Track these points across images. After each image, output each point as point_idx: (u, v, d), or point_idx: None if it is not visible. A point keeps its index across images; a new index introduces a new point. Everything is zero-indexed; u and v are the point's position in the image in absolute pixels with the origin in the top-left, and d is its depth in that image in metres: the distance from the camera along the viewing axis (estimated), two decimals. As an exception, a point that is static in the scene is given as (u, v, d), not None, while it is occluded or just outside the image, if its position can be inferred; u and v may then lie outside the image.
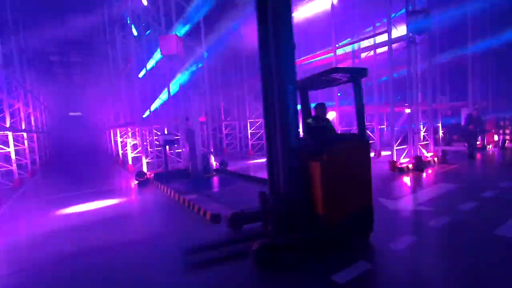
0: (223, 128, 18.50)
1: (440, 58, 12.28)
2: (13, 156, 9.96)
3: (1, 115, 10.91)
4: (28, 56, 15.85)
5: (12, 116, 11.49)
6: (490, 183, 6.30)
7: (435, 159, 9.11)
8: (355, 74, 3.83)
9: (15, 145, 10.36)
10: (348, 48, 10.73)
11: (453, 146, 12.68)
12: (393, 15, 8.85)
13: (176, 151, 11.15)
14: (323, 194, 3.36)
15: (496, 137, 11.36)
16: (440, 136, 13.50)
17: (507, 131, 11.40)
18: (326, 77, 3.89)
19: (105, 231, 4.93)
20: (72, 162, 17.40)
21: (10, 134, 10.06)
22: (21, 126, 12.41)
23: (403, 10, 9.14)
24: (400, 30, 8.84)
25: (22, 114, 12.61)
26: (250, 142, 15.88)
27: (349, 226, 3.57)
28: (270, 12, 3.38)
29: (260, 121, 16.01)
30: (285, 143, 3.44)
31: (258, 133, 16.24)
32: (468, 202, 5.01)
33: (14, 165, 9.95)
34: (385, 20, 9.01)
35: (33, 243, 4.55)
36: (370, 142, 3.77)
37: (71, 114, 29.66)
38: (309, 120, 4.40)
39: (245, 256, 3.40)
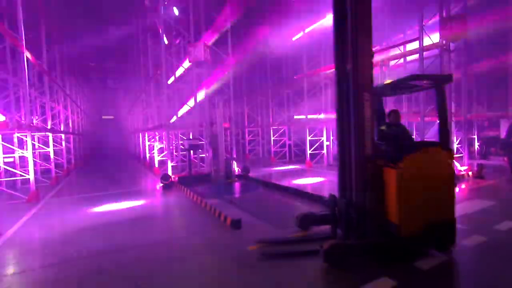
0: (246, 134, 18.67)
1: (477, 66, 11.62)
2: (52, 155, 10.71)
3: (44, 117, 11.81)
4: (69, 62, 17.11)
5: (52, 118, 12.40)
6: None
7: (470, 173, 8.56)
8: (438, 81, 3.78)
9: (54, 146, 11.15)
10: (379, 57, 10.48)
11: (490, 160, 11.84)
12: (426, 22, 8.54)
13: (200, 155, 11.41)
14: (398, 203, 3.35)
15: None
16: (476, 149, 12.68)
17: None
18: (405, 84, 3.89)
19: (131, 230, 5.13)
20: (103, 163, 18.38)
21: (50, 135, 10.85)
22: (60, 128, 13.35)
23: (436, 17, 8.80)
24: (433, 38, 8.51)
25: (61, 117, 13.57)
26: (272, 149, 15.87)
27: (427, 238, 3.45)
28: (349, 20, 3.50)
29: (283, 128, 15.99)
30: (360, 149, 3.47)
31: (280, 140, 16.20)
32: (505, 221, 4.64)
33: (53, 164, 10.69)
34: (416, 28, 8.72)
35: (65, 238, 4.84)
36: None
37: (104, 117, 31.42)
38: (383, 127, 4.35)
39: (314, 254, 3.64)
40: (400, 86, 4.16)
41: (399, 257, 3.42)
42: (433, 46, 8.35)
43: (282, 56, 16.27)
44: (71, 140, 15.17)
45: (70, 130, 16.16)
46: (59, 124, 13.52)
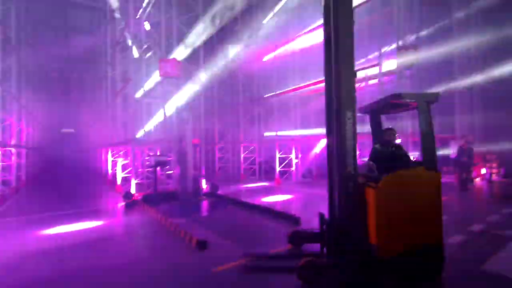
0: (216, 151, 18.49)
1: (428, 91, 12.78)
2: (-2, 171, 9.71)
3: (-8, 129, 10.78)
4: (28, 71, 16.00)
5: (2, 131, 11.36)
6: (478, 216, 6.31)
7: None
8: (420, 100, 3.61)
9: (2, 161, 10.14)
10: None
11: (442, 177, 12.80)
12: (383, 49, 9.30)
13: (167, 172, 11.03)
14: (376, 223, 3.30)
15: (483, 170, 11.54)
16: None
17: (494, 165, 11.61)
18: (386, 103, 3.87)
19: (86, 255, 4.72)
20: (60, 180, 17.00)
21: (-2, 149, 9.88)
22: (11, 142, 12.23)
23: (394, 45, 9.64)
24: (392, 63, 9.26)
25: (13, 129, 12.48)
26: (242, 167, 15.82)
27: (408, 262, 3.31)
28: (332, 41, 3.61)
29: (253, 145, 16.09)
30: (341, 167, 3.47)
31: (251, 157, 16.24)
32: (455, 235, 4.98)
33: (-1, 180, 9.67)
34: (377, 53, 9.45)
35: (7, 266, 4.32)
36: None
37: (63, 130, 29.43)
38: (377, 146, 4.25)
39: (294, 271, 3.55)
40: (386, 105, 4.05)
41: (375, 279, 3.34)
42: (390, 72, 9.07)
43: (253, 75, 16.65)
44: (24, 155, 13.92)
45: (23, 144, 14.87)
46: (11, 137, 12.40)
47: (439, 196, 3.41)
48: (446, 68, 12.73)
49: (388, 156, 3.98)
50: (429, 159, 3.48)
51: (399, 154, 4.04)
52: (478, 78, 12.75)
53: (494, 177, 11.59)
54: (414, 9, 11.21)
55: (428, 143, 3.51)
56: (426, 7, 13.03)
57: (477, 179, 11.54)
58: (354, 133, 3.46)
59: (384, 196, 3.30)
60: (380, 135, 4.33)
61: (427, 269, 3.34)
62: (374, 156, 4.12)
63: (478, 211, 7.33)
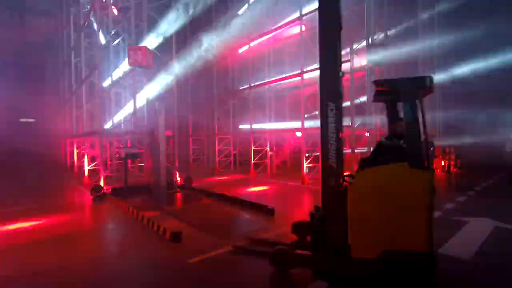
0: (191, 143, 18.17)
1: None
2: None
3: None
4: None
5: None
6: (436, 204, 6.85)
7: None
8: (403, 86, 3.16)
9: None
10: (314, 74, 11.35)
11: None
12: (355, 46, 9.61)
13: (139, 165, 10.68)
14: (349, 222, 3.15)
15: (442, 162, 12.49)
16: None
17: (452, 157, 12.63)
18: (376, 91, 3.51)
19: (50, 252, 4.47)
20: (20, 173, 15.78)
21: None
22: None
23: (364, 42, 9.99)
24: (363, 60, 9.61)
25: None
26: (217, 159, 15.72)
27: (384, 266, 3.01)
28: (321, 38, 3.48)
29: (229, 137, 16.01)
30: (324, 161, 3.36)
31: (226, 149, 16.17)
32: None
33: None
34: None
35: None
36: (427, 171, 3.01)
37: (22, 120, 27.22)
38: (383, 139, 3.94)
39: None
40: (377, 94, 3.60)
41: (347, 278, 3.23)
42: (361, 68, 9.41)
43: (229, 66, 16.46)
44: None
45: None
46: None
47: (426, 198, 2.93)
48: (412, 67, 13.47)
49: (394, 150, 3.35)
50: (414, 155, 3.02)
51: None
52: (441, 76, 13.67)
53: (452, 168, 12.61)
54: (384, 8, 11.66)
55: (412, 136, 3.06)
56: (395, 7, 13.64)
57: (437, 170, 12.47)
58: (338, 126, 3.29)
59: (358, 194, 3.12)
60: (393, 127, 3.87)
61: (412, 280, 2.95)
62: (376, 150, 3.56)
63: (436, 199, 7.93)
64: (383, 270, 3.01)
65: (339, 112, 3.33)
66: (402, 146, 3.36)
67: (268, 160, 13.60)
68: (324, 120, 3.35)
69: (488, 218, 5.65)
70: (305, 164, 11.00)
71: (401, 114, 3.70)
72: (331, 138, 3.32)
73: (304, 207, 6.99)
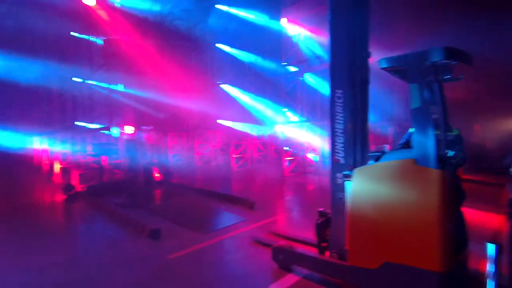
0: (169, 138, 17.77)
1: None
2: None
3: None
4: None
5: None
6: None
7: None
8: (411, 63, 2.55)
9: None
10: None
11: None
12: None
13: (115, 161, 10.29)
14: (347, 224, 2.84)
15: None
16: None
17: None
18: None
19: (16, 253, 4.23)
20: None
21: None
22: None
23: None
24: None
25: None
26: (197, 154, 15.50)
27: (386, 280, 2.56)
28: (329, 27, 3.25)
29: (209, 133, 15.81)
30: (332, 154, 3.13)
31: (207, 144, 15.96)
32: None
33: None
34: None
35: None
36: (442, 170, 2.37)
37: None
38: (412, 129, 3.00)
39: None
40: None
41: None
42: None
43: (208, 59, 16.17)
44: None
45: None
46: None
47: (436, 203, 2.31)
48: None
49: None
50: (422, 151, 2.42)
51: (454, 142, 2.73)
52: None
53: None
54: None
55: (420, 128, 2.47)
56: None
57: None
58: (346, 116, 2.98)
59: (356, 194, 2.73)
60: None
61: None
62: (406, 142, 3.08)
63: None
64: (384, 284, 2.57)
65: (349, 101, 2.97)
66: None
67: (249, 155, 13.59)
68: (331, 109, 3.07)
69: None
70: (285, 158, 11.12)
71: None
72: (338, 129, 3.01)
73: (283, 200, 7.07)
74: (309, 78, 11.68)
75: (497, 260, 1.62)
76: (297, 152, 11.34)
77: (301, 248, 3.52)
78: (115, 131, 9.09)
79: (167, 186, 9.08)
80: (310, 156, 12.00)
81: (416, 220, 2.41)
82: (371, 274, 2.61)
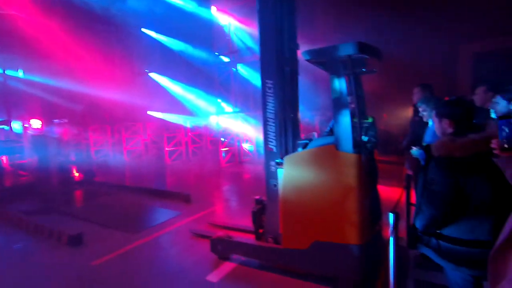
0: (90, 133, 15.90)
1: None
2: None
3: None
4: None
5: None
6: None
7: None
8: (331, 56, 2.65)
9: None
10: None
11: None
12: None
13: (19, 162, 8.71)
14: (280, 209, 2.98)
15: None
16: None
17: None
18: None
19: None
20: None
21: None
22: None
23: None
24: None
25: None
26: (125, 148, 14.24)
27: (313, 260, 2.78)
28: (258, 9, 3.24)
29: (138, 125, 14.63)
30: (265, 143, 3.17)
31: (134, 137, 14.78)
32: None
33: None
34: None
35: None
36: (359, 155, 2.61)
37: None
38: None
39: None
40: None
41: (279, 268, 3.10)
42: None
43: (134, 46, 14.79)
44: None
45: None
46: None
47: (354, 184, 2.58)
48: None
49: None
50: (341, 137, 2.62)
51: (369, 130, 3.21)
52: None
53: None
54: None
55: (340, 116, 2.64)
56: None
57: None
58: (277, 106, 3.06)
59: (287, 179, 2.90)
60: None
61: (343, 275, 2.69)
62: (330, 128, 3.50)
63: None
64: (314, 262, 2.79)
65: (279, 91, 3.07)
66: (355, 126, 2.97)
67: (184, 147, 13.12)
68: (263, 99, 3.13)
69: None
70: (221, 149, 11.10)
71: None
72: (269, 119, 3.09)
73: (220, 190, 7.08)
74: (241, 69, 11.78)
75: (395, 226, 1.93)
76: (232, 142, 11.42)
77: (239, 237, 3.57)
78: (16, 126, 7.68)
79: (90, 186, 8.15)
80: (246, 146, 12.24)
81: (337, 200, 2.65)
82: (302, 254, 2.82)
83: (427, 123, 3.11)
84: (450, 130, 1.70)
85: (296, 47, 3.35)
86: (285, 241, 2.95)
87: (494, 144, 1.28)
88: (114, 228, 4.65)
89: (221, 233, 3.63)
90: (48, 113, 7.53)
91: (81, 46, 16.00)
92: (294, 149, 3.19)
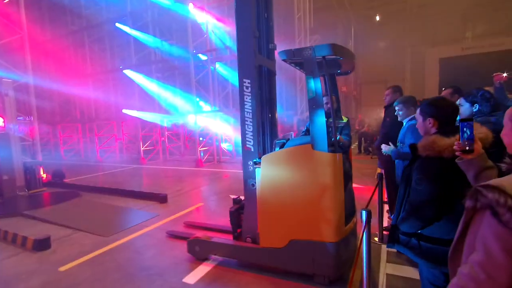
0: (60, 132, 15.12)
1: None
2: None
3: None
4: None
5: None
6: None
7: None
8: (305, 55, 2.69)
9: None
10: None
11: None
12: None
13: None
14: (258, 208, 3.01)
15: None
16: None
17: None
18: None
19: None
20: None
21: None
22: None
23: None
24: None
25: None
26: (98, 148, 13.66)
27: (290, 256, 2.83)
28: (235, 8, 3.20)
29: (111, 123, 14.07)
30: (243, 142, 3.16)
31: (108, 137, 14.22)
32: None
33: None
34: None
35: None
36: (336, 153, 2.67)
37: None
38: (299, 117, 3.82)
39: None
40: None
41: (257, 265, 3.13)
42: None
43: (106, 42, 14.19)
44: None
45: None
46: None
47: (331, 182, 2.62)
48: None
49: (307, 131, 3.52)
50: (317, 136, 2.66)
51: (343, 129, 3.43)
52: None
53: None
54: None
55: (315, 115, 2.68)
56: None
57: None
58: (254, 106, 3.08)
59: (265, 178, 2.93)
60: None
61: (317, 271, 2.76)
62: (307, 128, 3.64)
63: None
64: (290, 260, 2.83)
65: (256, 90, 3.09)
66: (329, 125, 3.19)
67: (160, 146, 12.80)
68: (240, 98, 3.14)
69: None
70: (199, 148, 10.96)
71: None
72: (247, 118, 3.10)
73: (198, 190, 6.98)
74: (220, 68, 11.69)
75: (367, 223, 1.99)
76: (211, 142, 11.31)
77: (216, 237, 3.53)
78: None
79: (59, 187, 7.73)
80: (224, 145, 12.17)
81: (313, 198, 2.68)
82: (279, 253, 2.86)
83: (400, 123, 3.25)
84: (433, 129, 1.68)
85: (273, 47, 3.40)
86: (263, 240, 2.98)
87: (456, 146, 1.30)
88: (84, 231, 4.44)
89: (199, 234, 3.58)
90: (10, 110, 7.04)
91: (51, 40, 15.18)
92: (271, 149, 3.23)
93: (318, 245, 2.69)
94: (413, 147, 1.69)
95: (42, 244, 3.84)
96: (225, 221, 4.28)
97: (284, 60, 2.93)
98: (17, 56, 9.17)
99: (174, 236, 4.07)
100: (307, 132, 3.39)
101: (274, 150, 3.04)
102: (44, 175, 7.83)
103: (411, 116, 3.01)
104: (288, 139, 3.09)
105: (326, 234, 2.66)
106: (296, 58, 2.81)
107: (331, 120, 2.77)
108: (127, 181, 8.40)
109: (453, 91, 3.19)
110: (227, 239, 3.47)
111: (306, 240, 2.75)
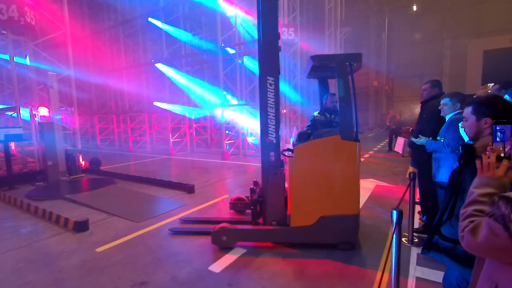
0: (97, 122, 16.07)
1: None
2: None
3: None
4: None
5: None
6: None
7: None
8: (339, 61, 3.21)
9: None
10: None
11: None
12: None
13: (27, 149, 8.86)
14: (290, 193, 3.36)
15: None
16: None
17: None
18: (313, 66, 3.47)
19: None
20: None
21: None
22: None
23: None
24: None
25: None
26: (131, 138, 14.37)
27: (320, 232, 3.28)
28: (259, 12, 3.40)
29: (143, 115, 14.71)
30: (263, 136, 3.42)
31: (140, 128, 14.89)
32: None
33: None
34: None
35: None
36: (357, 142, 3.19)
37: None
38: (315, 113, 4.10)
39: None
40: (313, 70, 3.69)
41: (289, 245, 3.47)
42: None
43: (140, 37, 14.76)
44: None
45: None
46: None
47: (354, 166, 3.19)
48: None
49: (325, 124, 3.88)
50: (346, 128, 3.16)
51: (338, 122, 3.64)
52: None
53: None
54: None
55: (345, 111, 3.15)
56: None
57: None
58: (276, 101, 3.36)
59: (298, 166, 3.28)
60: (325, 102, 4.15)
61: (343, 240, 3.30)
62: (312, 124, 4.01)
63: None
64: (319, 234, 3.29)
65: (278, 87, 3.35)
66: (332, 121, 3.92)
67: (188, 138, 13.18)
68: (263, 94, 3.37)
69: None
70: (225, 141, 11.13)
71: (332, 90, 4.24)
72: (270, 113, 3.37)
73: (225, 183, 7.12)
74: (248, 62, 11.72)
75: (398, 223, 1.93)
76: (237, 135, 11.43)
77: (240, 226, 3.64)
78: (24, 113, 7.78)
79: (95, 174, 8.27)
80: (250, 139, 12.25)
81: (341, 179, 3.22)
82: (310, 229, 3.29)
83: (436, 120, 3.10)
84: (489, 130, 1.48)
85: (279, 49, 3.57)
86: (294, 221, 3.35)
87: (489, 151, 1.14)
88: (118, 216, 4.73)
89: (223, 224, 3.68)
90: (54, 101, 7.59)
91: (88, 36, 16.06)
92: (298, 140, 3.56)
93: (344, 218, 3.22)
94: (468, 147, 1.53)
95: (82, 226, 4.16)
96: (218, 213, 4.67)
97: (314, 64, 3.26)
98: (60, 51, 9.85)
99: (177, 232, 4.02)
100: (311, 127, 3.97)
101: (299, 142, 3.42)
102: (83, 162, 8.42)
103: (455, 113, 2.88)
104: (308, 133, 3.61)
105: (351, 208, 3.23)
106: (328, 62, 3.32)
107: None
108: (157, 170, 8.78)
109: (500, 86, 2.94)
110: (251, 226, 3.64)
111: (333, 215, 3.23)
